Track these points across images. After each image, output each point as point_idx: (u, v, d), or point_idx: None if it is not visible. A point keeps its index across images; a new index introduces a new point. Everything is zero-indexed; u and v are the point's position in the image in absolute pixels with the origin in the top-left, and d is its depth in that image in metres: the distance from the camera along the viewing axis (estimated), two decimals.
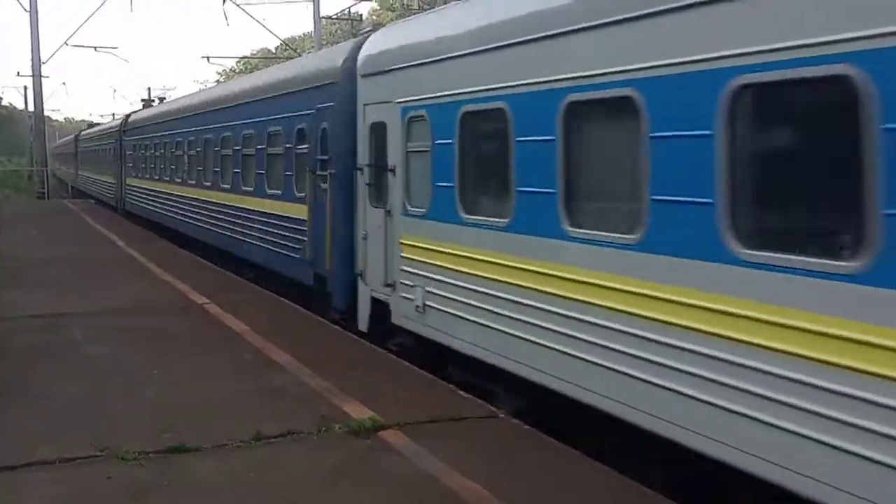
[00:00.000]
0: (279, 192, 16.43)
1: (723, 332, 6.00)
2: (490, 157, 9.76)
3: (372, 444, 7.79)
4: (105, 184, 42.25)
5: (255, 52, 63.63)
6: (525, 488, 6.67)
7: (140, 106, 43.46)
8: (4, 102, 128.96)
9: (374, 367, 10.64)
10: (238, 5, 53.47)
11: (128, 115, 38.34)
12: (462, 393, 9.36)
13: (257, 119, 17.71)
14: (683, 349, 6.31)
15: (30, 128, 61.98)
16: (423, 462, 7.27)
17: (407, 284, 10.85)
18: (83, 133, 59.15)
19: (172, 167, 26.31)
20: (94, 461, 7.37)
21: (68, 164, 62.68)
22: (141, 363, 10.75)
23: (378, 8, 65.44)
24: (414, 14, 13.21)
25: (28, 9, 51.47)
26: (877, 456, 4.91)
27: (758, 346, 5.65)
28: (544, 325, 8.08)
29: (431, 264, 10.25)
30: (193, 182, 23.50)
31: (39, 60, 52.74)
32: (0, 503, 6.61)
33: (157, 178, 28.97)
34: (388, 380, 9.93)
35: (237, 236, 19.18)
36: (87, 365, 10.75)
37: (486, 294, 9.10)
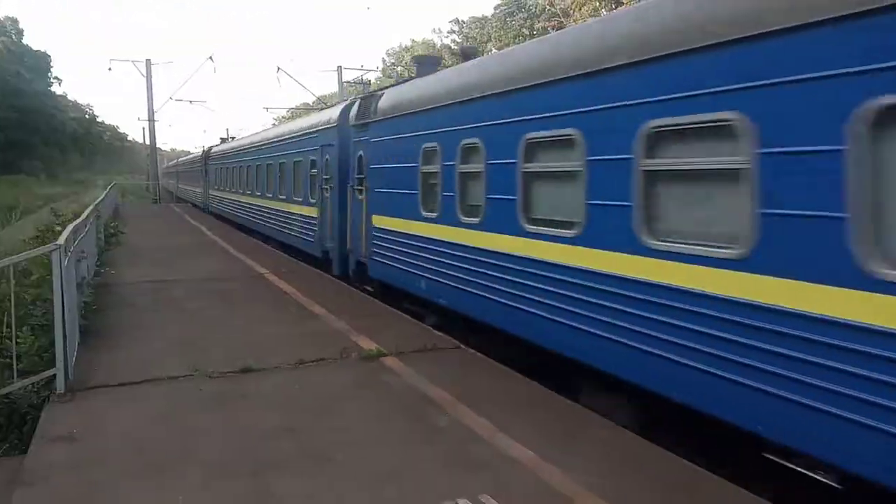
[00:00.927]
0: (300, 198, 17.57)
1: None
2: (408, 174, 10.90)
3: (377, 366, 7.91)
4: (196, 192, 42.81)
5: (298, 105, 63.25)
6: (476, 393, 6.84)
7: (219, 141, 43.74)
8: (129, 138, 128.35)
9: (378, 315, 10.71)
10: (287, 73, 56.49)
11: (209, 148, 39.76)
12: (437, 332, 9.46)
13: (287, 152, 19.11)
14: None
15: (146, 155, 62.04)
16: (410, 377, 7.41)
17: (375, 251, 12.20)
18: (181, 160, 61.85)
19: (238, 182, 27.19)
20: (189, 378, 7.47)
21: (173, 179, 63.16)
22: (221, 314, 10.81)
23: (382, 76, 65.05)
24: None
25: (144, 74, 51.37)
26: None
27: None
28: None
29: (387, 238, 11.61)
30: (250, 192, 24.54)
31: (152, 110, 52.74)
32: (128, 405, 6.68)
33: (228, 189, 29.81)
34: (388, 324, 10.03)
35: (274, 225, 20.68)
36: (185, 314, 10.80)
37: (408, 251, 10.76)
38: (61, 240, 7.65)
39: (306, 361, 8.01)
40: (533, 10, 66.94)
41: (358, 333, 9.27)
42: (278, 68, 65.11)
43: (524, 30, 66.86)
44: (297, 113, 47.22)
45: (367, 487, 4.86)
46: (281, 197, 19.67)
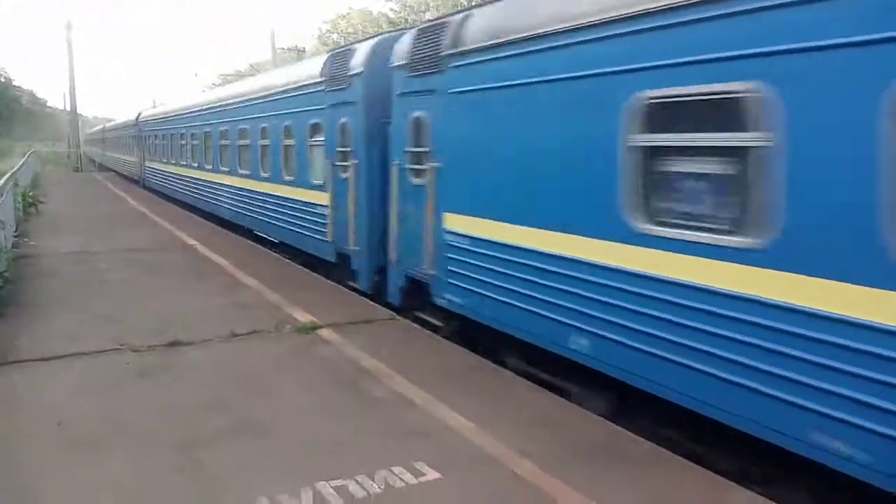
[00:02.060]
0: (292, 179, 12.49)
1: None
2: None
3: (312, 338, 7.82)
4: (129, 162, 36.54)
5: (232, 73, 60.95)
6: (412, 363, 6.87)
7: (145, 107, 39.65)
8: (49, 104, 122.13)
9: (313, 287, 10.58)
10: (214, 40, 53.28)
11: (142, 112, 33.90)
12: (373, 304, 9.42)
13: (269, 114, 13.68)
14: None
15: (67, 121, 58.90)
16: (345, 349, 7.37)
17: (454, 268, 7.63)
18: (108, 125, 56.34)
19: (190, 153, 21.30)
20: (115, 352, 7.24)
21: (98, 146, 59.15)
22: (148, 285, 10.46)
23: (318, 44, 63.49)
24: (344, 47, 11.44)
25: (66, 40, 49.02)
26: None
27: None
28: None
29: (486, 254, 7.12)
30: (209, 167, 19.02)
31: (73, 71, 50.36)
32: (49, 381, 6.42)
33: (176, 161, 23.67)
34: (323, 296, 9.92)
35: (255, 214, 14.86)
36: (109, 286, 10.40)
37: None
38: None
39: (239, 334, 7.86)
40: None
41: (293, 305, 9.14)
42: (206, 35, 62.67)
43: None
44: (228, 79, 45.03)
45: (301, 458, 4.82)
46: (263, 175, 14.05)
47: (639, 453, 4.95)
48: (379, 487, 4.41)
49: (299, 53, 42.21)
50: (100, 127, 66.34)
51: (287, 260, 12.85)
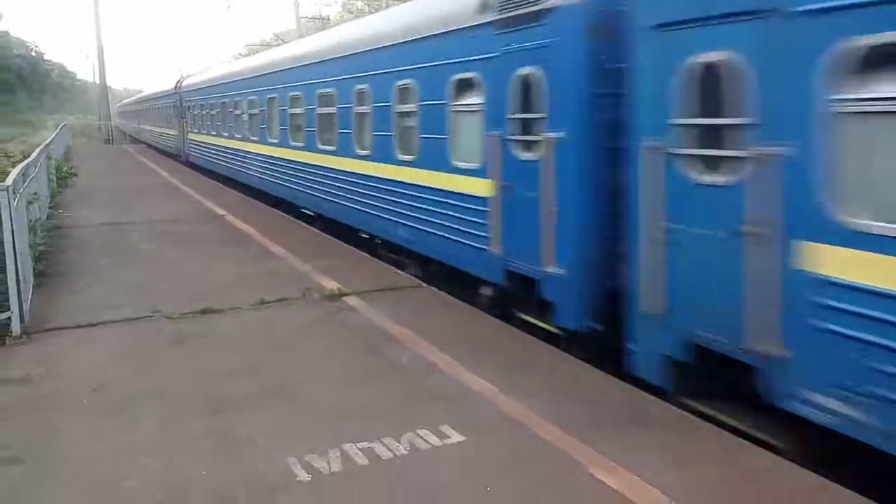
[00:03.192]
0: (412, 158, 9.35)
1: None
2: None
3: (339, 305, 7.92)
4: (168, 136, 32.77)
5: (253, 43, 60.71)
6: (437, 329, 6.92)
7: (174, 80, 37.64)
8: (79, 77, 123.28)
9: (337, 254, 10.67)
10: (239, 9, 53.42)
11: (179, 80, 30.08)
12: (399, 271, 9.48)
13: (384, 71, 10.07)
14: None
15: (97, 94, 59.34)
16: (371, 315, 7.45)
17: None
18: (142, 95, 53.09)
19: (256, 126, 17.22)
20: (149, 320, 7.41)
21: (132, 119, 56.41)
22: (180, 255, 10.65)
23: (343, 11, 62.96)
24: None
25: (94, 11, 49.28)
26: None
27: None
28: None
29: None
30: (241, 136, 17.96)
31: (101, 43, 50.61)
32: (85, 347, 6.61)
33: (234, 135, 19.53)
34: (349, 263, 10.00)
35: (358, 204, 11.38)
36: (142, 256, 10.62)
37: None
38: (9, 181, 7.39)
39: (268, 301, 7.98)
40: None
41: (320, 273, 9.24)
42: (228, 6, 62.48)
43: None
44: (255, 50, 44.66)
45: (327, 422, 4.92)
46: (360, 153, 10.81)
47: (665, 419, 4.95)
48: (405, 449, 4.49)
49: (324, 22, 41.96)
50: (131, 98, 65.29)
51: (315, 229, 12.95)
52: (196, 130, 25.39)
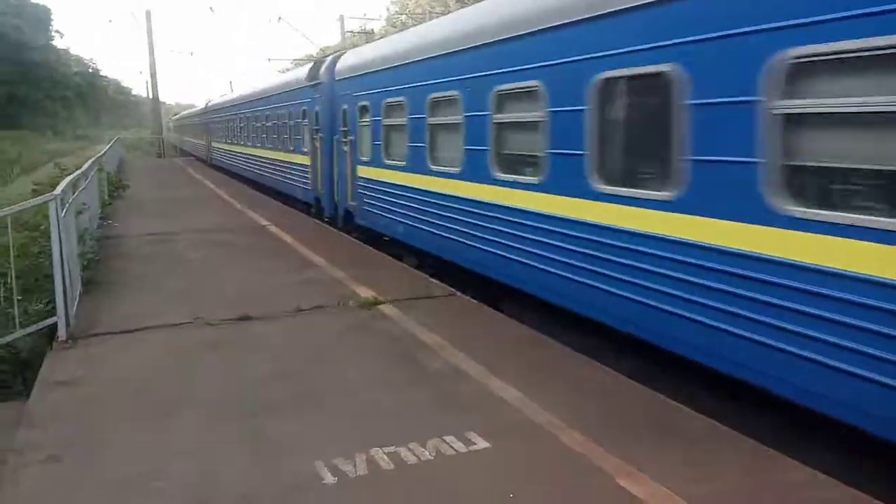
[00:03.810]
0: (293, 148, 18.77)
1: None
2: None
3: (373, 313, 8.01)
4: (200, 145, 44.17)
5: (303, 57, 61.98)
6: (469, 337, 6.94)
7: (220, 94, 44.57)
8: (134, 92, 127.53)
9: (375, 264, 10.81)
10: (288, 23, 57.12)
11: (208, 101, 42.04)
12: (433, 280, 9.54)
13: (280, 105, 20.07)
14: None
15: (150, 109, 61.45)
16: (406, 324, 7.51)
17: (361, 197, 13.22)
18: (183, 113, 64.40)
19: (234, 132, 29.13)
20: (190, 326, 7.60)
21: (177, 133, 66.04)
22: (222, 264, 10.92)
23: (386, 25, 63.72)
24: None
25: (145, 27, 50.90)
26: None
27: None
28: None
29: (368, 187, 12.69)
30: (243, 142, 26.84)
31: (154, 62, 52.02)
32: (128, 351, 6.83)
33: (227, 140, 31.43)
34: (385, 272, 10.12)
35: (265, 173, 22.75)
36: (186, 264, 10.91)
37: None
38: (58, 190, 7.70)
39: (304, 309, 8.12)
40: None
41: (355, 282, 9.37)
42: (279, 18, 64.10)
43: None
44: (301, 64, 45.89)
45: (357, 426, 4.98)
46: (269, 146, 22.40)
47: (692, 428, 4.88)
48: (430, 454, 4.53)
49: (368, 36, 42.57)
50: (178, 115, 70.88)
51: (356, 240, 13.13)
52: (217, 139, 35.42)
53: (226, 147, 31.91)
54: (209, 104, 39.86)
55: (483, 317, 7.85)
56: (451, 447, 4.62)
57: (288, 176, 19.32)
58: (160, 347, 6.93)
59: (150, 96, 58.04)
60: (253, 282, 9.61)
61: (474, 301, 8.46)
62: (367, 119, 12.64)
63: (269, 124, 21.72)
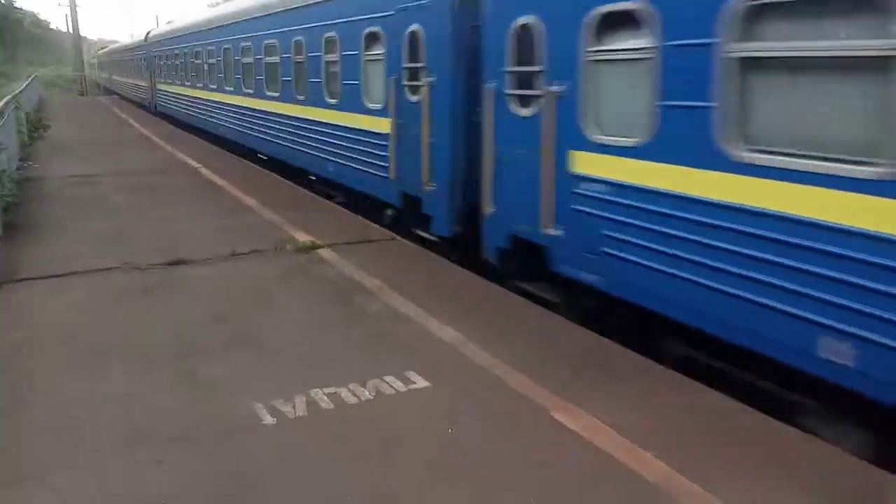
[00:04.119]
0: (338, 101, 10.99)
1: None
2: None
3: (311, 257, 7.91)
4: (140, 88, 33.91)
5: None
6: (409, 281, 6.95)
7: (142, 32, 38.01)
8: (52, 26, 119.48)
9: (312, 208, 10.63)
10: None
11: (148, 33, 31.13)
12: (374, 224, 9.46)
13: (311, 25, 11.71)
14: None
15: (71, 45, 57.62)
16: (344, 268, 7.46)
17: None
18: (113, 47, 54.59)
19: (204, 72, 19.63)
20: (118, 270, 7.36)
21: (104, 70, 57.80)
22: (151, 207, 10.55)
23: None
24: None
25: None
26: None
27: None
28: None
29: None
30: (222, 87, 17.87)
31: None
32: (54, 297, 6.58)
33: (189, 83, 21.90)
34: (324, 217, 9.97)
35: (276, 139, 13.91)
36: (113, 208, 10.51)
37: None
38: None
39: (239, 253, 7.96)
40: None
41: (291, 226, 9.21)
42: None
43: None
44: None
45: (295, 369, 4.97)
46: (299, 98, 12.25)
47: (627, 365, 5.05)
48: (370, 394, 4.56)
49: None
50: (104, 50, 64.57)
51: (290, 182, 12.85)
52: (164, 81, 26.73)
53: (187, 93, 22.10)
54: (150, 35, 29.98)
55: (424, 260, 7.86)
56: (391, 386, 4.66)
57: (334, 150, 10.83)
58: (88, 293, 6.70)
59: (71, 31, 54.70)
60: (184, 225, 9.34)
61: (413, 245, 8.45)
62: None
63: (281, 60, 12.89)
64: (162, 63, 26.70)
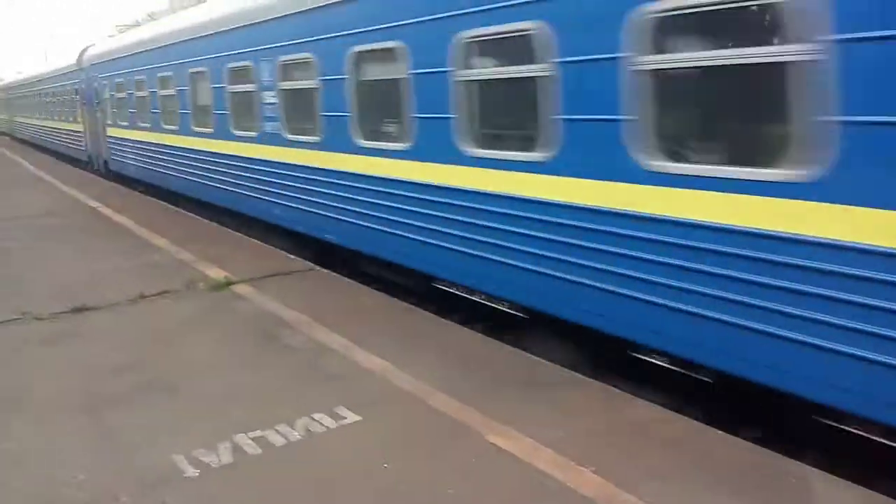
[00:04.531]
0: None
1: None
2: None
3: (226, 294, 7.63)
4: (72, 135, 23.64)
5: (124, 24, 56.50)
6: (331, 311, 6.81)
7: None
8: None
9: (227, 242, 10.28)
10: None
11: (83, 50, 20.87)
12: (291, 256, 9.23)
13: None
14: None
15: None
16: (263, 303, 7.23)
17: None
18: (20, 77, 39.31)
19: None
20: (16, 322, 6.88)
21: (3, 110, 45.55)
22: (49, 251, 9.95)
23: None
24: None
25: None
26: None
27: None
28: None
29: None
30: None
31: None
32: None
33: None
34: (238, 251, 9.66)
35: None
36: (5, 255, 9.83)
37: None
38: None
39: (148, 295, 7.57)
40: None
41: (205, 262, 8.87)
42: None
43: None
44: (123, 29, 40.30)
45: (216, 413, 4.73)
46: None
47: (552, 378, 5.08)
48: (299, 434, 4.39)
49: None
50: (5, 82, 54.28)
51: (198, 217, 12.40)
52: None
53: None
54: (84, 55, 20.11)
55: (345, 289, 7.71)
56: (321, 424, 4.50)
57: None
58: None
59: None
60: (87, 269, 8.84)
61: (334, 274, 8.29)
62: None
63: None
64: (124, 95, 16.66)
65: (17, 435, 4.53)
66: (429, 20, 6.25)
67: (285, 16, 8.61)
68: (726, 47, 4.27)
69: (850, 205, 3.66)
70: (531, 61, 5.33)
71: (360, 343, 5.88)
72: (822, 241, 3.78)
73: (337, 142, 7.96)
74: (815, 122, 3.74)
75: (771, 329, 4.05)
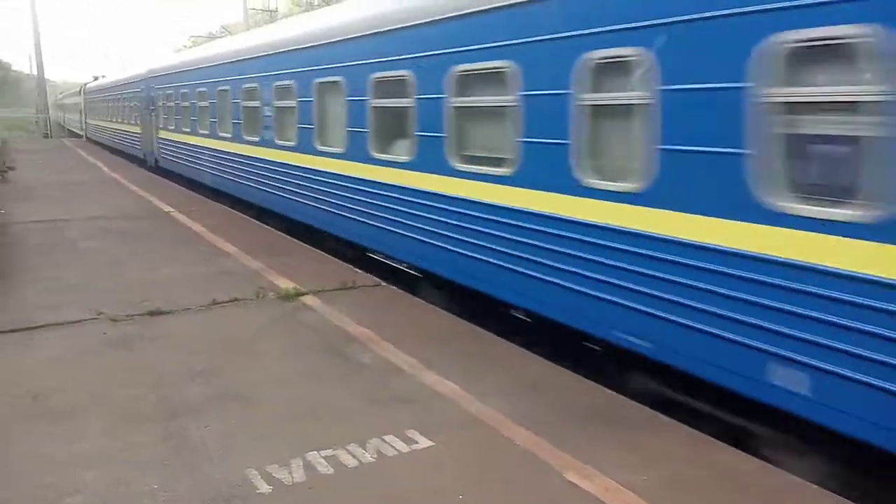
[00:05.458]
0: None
1: None
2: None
3: (295, 305, 7.64)
4: (132, 135, 26.51)
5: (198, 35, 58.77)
6: (399, 329, 6.73)
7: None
8: (14, 68, 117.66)
9: (295, 253, 10.36)
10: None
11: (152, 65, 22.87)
12: (357, 269, 9.23)
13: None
14: None
15: (35, 86, 56.30)
16: (330, 315, 7.21)
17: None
18: (103, 81, 39.59)
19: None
20: (92, 322, 7.00)
21: (72, 112, 51.90)
22: (123, 253, 10.17)
23: (291, 4, 61.87)
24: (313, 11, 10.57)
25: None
26: None
27: None
28: None
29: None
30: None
31: (38, 31, 48.47)
32: (23, 352, 6.20)
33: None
34: (306, 262, 9.71)
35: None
36: (82, 255, 10.10)
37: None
38: None
39: (219, 302, 7.65)
40: None
41: (273, 272, 8.94)
42: None
43: None
44: (198, 43, 42.45)
45: (289, 427, 4.68)
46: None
47: (632, 417, 4.88)
48: (371, 456, 4.30)
49: (272, 14, 41.22)
50: (71, 91, 58.76)
51: (268, 227, 12.58)
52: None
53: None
54: (146, 67, 22.99)
55: (412, 307, 7.64)
56: (393, 447, 4.41)
57: None
58: (60, 346, 6.33)
59: (34, 72, 53.97)
60: (159, 273, 8.99)
61: (400, 290, 8.23)
62: None
63: None
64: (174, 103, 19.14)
65: (91, 437, 4.57)
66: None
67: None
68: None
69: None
70: (632, 88, 5.31)
71: (429, 365, 5.78)
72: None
73: (430, 163, 7.65)
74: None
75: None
